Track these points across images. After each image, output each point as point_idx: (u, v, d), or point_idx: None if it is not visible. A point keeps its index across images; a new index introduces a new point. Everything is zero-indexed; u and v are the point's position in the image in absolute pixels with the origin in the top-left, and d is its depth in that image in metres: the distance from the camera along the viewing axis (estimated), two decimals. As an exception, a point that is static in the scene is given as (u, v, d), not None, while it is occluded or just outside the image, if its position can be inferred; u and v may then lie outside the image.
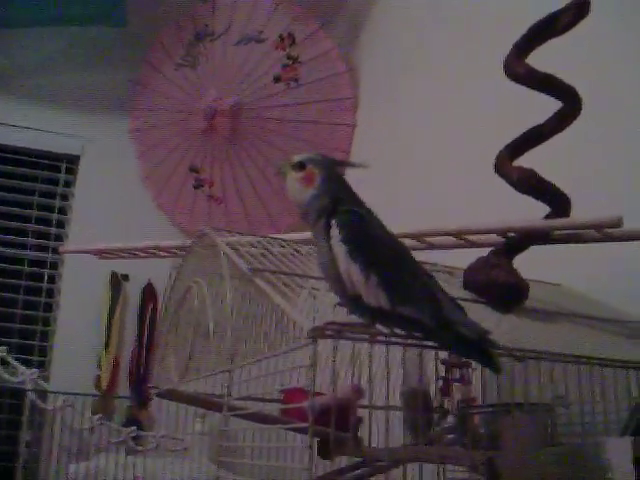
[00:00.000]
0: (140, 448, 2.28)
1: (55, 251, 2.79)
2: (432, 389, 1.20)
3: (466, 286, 1.16)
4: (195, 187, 2.85)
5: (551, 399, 1.02)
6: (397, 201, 2.12)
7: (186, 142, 2.81)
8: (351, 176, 0.96)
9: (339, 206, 0.86)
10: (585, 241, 1.17)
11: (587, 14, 1.10)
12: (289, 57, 2.71)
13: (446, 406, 1.20)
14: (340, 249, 0.82)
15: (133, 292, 2.80)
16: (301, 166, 0.91)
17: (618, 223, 1.07)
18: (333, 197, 0.88)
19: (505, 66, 1.14)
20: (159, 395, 1.37)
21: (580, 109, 1.12)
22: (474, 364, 1.19)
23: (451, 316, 0.79)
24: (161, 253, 1.73)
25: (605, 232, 1.12)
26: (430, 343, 0.82)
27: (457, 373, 1.20)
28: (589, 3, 1.09)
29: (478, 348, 0.78)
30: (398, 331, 0.81)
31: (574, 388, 0.91)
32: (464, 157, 1.84)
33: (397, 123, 2.36)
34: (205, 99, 2.69)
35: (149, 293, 2.80)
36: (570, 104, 1.12)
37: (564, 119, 1.13)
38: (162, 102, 2.85)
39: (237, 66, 2.72)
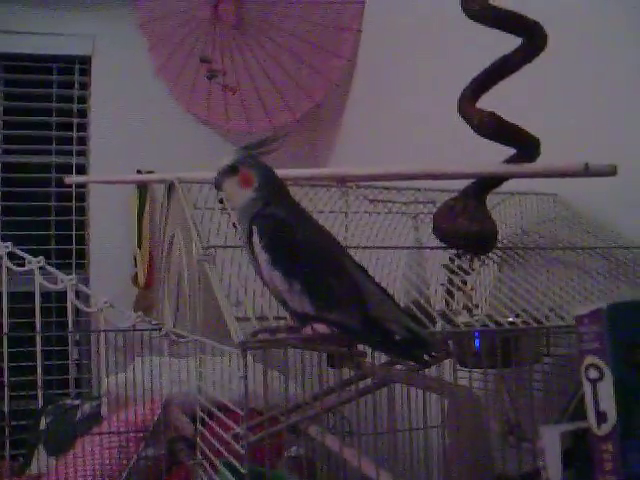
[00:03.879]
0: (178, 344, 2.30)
1: (80, 154, 2.83)
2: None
3: (434, 232, 1.16)
4: (208, 78, 2.79)
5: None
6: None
7: (194, 32, 2.73)
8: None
9: (263, 210, 0.85)
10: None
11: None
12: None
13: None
14: (262, 257, 0.82)
15: (159, 188, 2.82)
16: (234, 169, 0.89)
17: (584, 170, 1.04)
18: (265, 200, 0.86)
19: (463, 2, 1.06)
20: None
21: (545, 43, 1.05)
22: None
23: (378, 314, 0.80)
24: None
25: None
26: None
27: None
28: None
29: (403, 346, 0.80)
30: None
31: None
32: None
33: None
34: (207, -15, 2.58)
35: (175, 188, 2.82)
36: (534, 39, 1.05)
37: (528, 53, 1.07)
38: (165, -9, 2.74)
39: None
